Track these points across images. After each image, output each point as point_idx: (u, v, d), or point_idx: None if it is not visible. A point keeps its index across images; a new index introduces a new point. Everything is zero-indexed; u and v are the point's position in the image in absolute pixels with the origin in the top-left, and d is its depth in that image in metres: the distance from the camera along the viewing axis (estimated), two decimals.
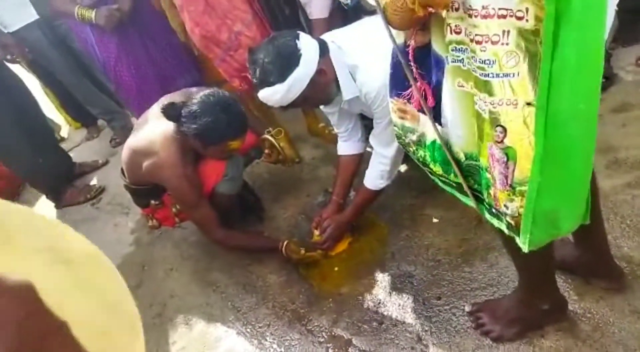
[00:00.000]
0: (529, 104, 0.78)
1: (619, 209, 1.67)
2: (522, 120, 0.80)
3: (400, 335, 1.56)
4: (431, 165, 1.11)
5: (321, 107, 1.92)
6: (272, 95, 1.54)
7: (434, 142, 1.06)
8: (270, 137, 2.07)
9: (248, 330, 1.78)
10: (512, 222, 0.93)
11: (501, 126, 0.84)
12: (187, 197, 1.86)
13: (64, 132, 4.21)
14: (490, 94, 0.83)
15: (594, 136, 0.84)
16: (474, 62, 0.82)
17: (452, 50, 0.87)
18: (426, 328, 1.55)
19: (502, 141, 0.86)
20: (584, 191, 0.90)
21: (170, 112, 1.76)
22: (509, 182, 0.89)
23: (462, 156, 1.00)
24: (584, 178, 0.88)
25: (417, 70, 1.00)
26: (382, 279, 1.79)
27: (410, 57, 0.99)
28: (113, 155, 3.39)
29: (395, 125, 1.19)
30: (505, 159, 0.87)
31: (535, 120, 0.78)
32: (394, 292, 1.72)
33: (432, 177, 1.18)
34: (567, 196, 0.88)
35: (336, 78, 1.62)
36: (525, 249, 0.93)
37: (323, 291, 1.84)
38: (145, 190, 1.97)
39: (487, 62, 0.80)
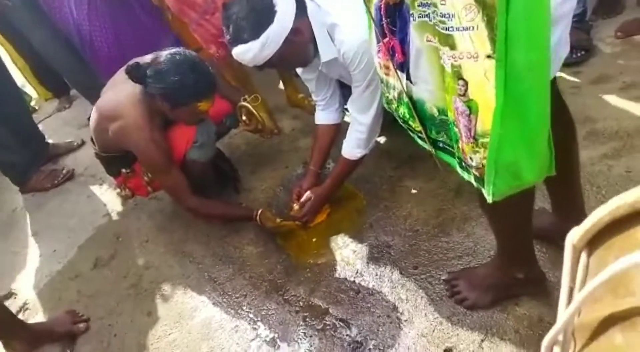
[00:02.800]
0: (488, 56, 0.78)
1: (595, 180, 1.69)
2: (483, 73, 0.81)
3: (377, 304, 1.56)
4: (410, 122, 1.10)
5: (300, 73, 1.87)
6: (246, 52, 1.48)
7: (411, 97, 1.05)
8: (247, 104, 2.01)
9: (225, 300, 1.76)
10: (477, 174, 0.96)
11: (463, 79, 0.85)
12: (155, 162, 1.81)
13: (34, 102, 4.07)
14: (452, 47, 0.83)
15: (547, 88, 0.85)
16: (436, 16, 0.83)
17: (418, 5, 0.87)
18: (402, 297, 1.55)
19: (464, 94, 0.87)
20: (543, 142, 0.91)
21: (135, 72, 1.69)
22: (472, 134, 0.90)
23: (435, 111, 1.01)
24: (541, 129, 0.90)
25: (388, 26, 0.99)
26: (360, 249, 1.78)
27: (382, 12, 0.98)
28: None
29: (381, 82, 1.18)
30: (468, 112, 0.89)
31: (496, 73, 0.79)
32: (371, 262, 1.72)
33: (412, 135, 1.16)
34: (527, 147, 0.90)
35: (314, 39, 1.57)
36: (489, 199, 0.96)
37: (300, 262, 1.83)
38: (116, 158, 1.92)
39: (447, 15, 0.80)
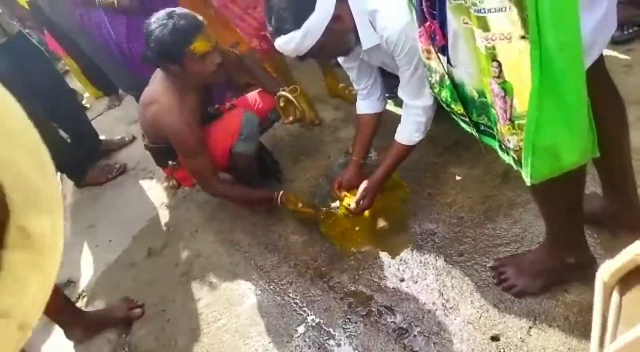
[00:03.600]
0: (522, 37, 0.78)
1: None
2: (517, 55, 0.80)
3: (422, 291, 1.56)
4: (452, 105, 1.10)
5: (341, 61, 1.88)
6: (288, 43, 1.50)
7: (453, 80, 1.04)
8: (285, 94, 2.03)
9: (271, 287, 1.81)
10: (515, 156, 0.95)
11: (497, 61, 0.85)
12: (185, 143, 1.85)
13: (85, 101, 4.27)
14: (485, 29, 0.83)
15: (582, 68, 0.83)
16: (464, 5, 0.83)
17: None
18: (447, 284, 1.55)
19: (499, 76, 0.86)
20: (581, 123, 0.89)
21: (147, 55, 1.78)
22: (509, 116, 0.90)
23: (475, 94, 1.00)
24: (579, 110, 0.87)
25: (429, 10, 0.98)
26: (404, 237, 1.78)
27: None
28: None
29: (424, 66, 1.18)
30: (503, 94, 0.88)
31: (531, 54, 0.78)
32: (415, 250, 1.71)
33: (456, 118, 1.15)
34: (565, 128, 0.88)
35: (355, 26, 1.57)
36: (528, 182, 0.95)
37: (344, 250, 1.85)
38: (163, 149, 1.98)
39: None
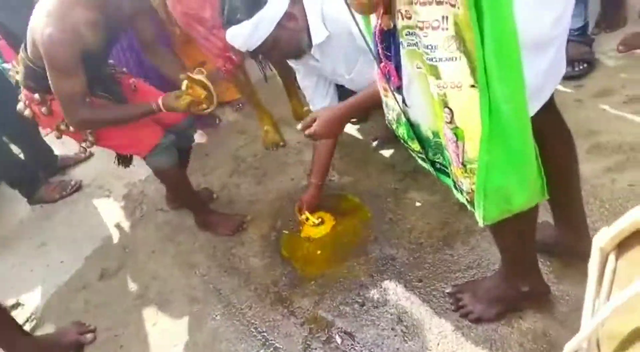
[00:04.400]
0: (472, 86, 0.80)
1: (598, 193, 1.69)
2: (467, 102, 0.83)
3: (382, 316, 1.57)
4: (409, 142, 1.12)
5: (299, 80, 1.91)
6: (238, 34, 1.50)
7: (409, 119, 1.07)
8: (190, 75, 1.80)
9: (230, 311, 1.77)
10: (468, 198, 0.98)
11: (448, 107, 0.87)
12: (57, 57, 1.59)
13: None
14: (437, 77, 0.85)
15: (526, 119, 0.87)
16: (421, 46, 0.85)
17: (406, 34, 0.89)
18: (407, 310, 1.56)
19: (451, 122, 0.89)
20: (530, 168, 0.94)
21: None
22: (461, 160, 0.93)
23: (430, 134, 1.03)
24: (527, 156, 0.92)
25: (384, 52, 1.00)
26: (365, 262, 1.79)
27: (377, 39, 1.00)
28: None
29: (382, 103, 1.20)
30: (455, 139, 0.91)
31: (480, 102, 0.80)
32: (376, 275, 1.73)
33: (413, 154, 1.18)
34: (514, 173, 0.92)
35: (307, 28, 1.58)
36: (480, 223, 0.98)
37: (306, 274, 1.84)
38: (40, 73, 1.72)
39: (430, 47, 0.82)
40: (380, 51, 1.01)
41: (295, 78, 2.66)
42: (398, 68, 1.00)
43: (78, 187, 2.86)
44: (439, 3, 0.77)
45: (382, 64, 1.02)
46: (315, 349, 1.54)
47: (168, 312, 1.87)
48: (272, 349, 1.59)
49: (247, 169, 2.55)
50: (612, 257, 0.51)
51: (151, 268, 2.11)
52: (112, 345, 1.81)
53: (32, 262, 2.38)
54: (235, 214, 2.20)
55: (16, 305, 2.16)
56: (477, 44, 0.74)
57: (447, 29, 0.78)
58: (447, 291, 1.56)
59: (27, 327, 1.98)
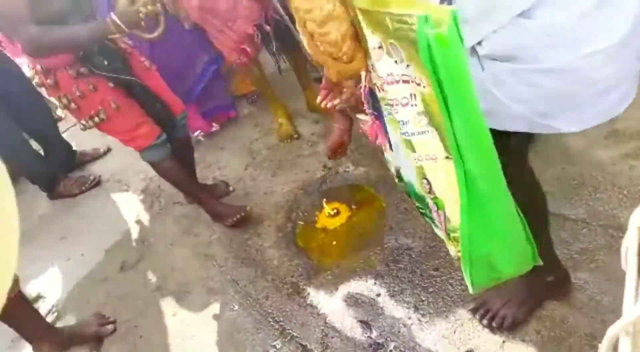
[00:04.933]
0: (447, 157, 0.79)
1: (616, 180, 1.67)
2: (444, 173, 0.82)
3: (398, 305, 1.58)
4: (411, 196, 1.12)
5: None
6: None
7: (406, 181, 1.08)
8: None
9: (247, 302, 1.80)
10: (457, 264, 0.96)
11: (426, 179, 0.87)
12: None
13: (60, 112, 4.18)
14: (412, 150, 0.85)
15: (504, 191, 0.84)
16: (397, 120, 0.85)
17: (385, 105, 0.90)
18: (423, 298, 1.56)
19: (430, 192, 0.88)
20: (515, 237, 0.92)
21: None
22: (444, 229, 0.92)
23: (423, 195, 1.00)
24: (510, 226, 0.89)
25: (370, 111, 1.03)
26: (380, 251, 1.80)
27: (364, 98, 1.00)
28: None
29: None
30: (436, 208, 0.90)
31: (456, 173, 0.78)
32: (391, 264, 1.73)
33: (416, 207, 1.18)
34: (497, 243, 0.89)
35: None
36: (470, 290, 0.97)
37: (321, 264, 1.85)
38: None
39: (402, 122, 0.83)
40: (367, 109, 1.02)
41: (308, 70, 2.69)
42: (385, 128, 1.00)
43: (97, 182, 2.91)
44: (405, 82, 0.77)
45: (372, 122, 1.05)
46: (332, 337, 1.56)
47: (187, 303, 1.90)
48: (289, 338, 1.60)
49: (262, 161, 2.56)
50: None
51: (170, 260, 2.14)
52: (132, 336, 1.85)
53: (53, 256, 2.44)
54: (237, 205, 2.20)
55: (38, 297, 2.21)
56: (446, 119, 0.73)
57: (416, 105, 0.78)
58: (470, 308, 1.48)
59: (49, 319, 2.03)
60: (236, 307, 1.79)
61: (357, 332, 1.54)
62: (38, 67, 1.75)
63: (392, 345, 1.47)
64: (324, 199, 2.10)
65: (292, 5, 0.77)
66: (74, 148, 3.15)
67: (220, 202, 2.23)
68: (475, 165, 0.77)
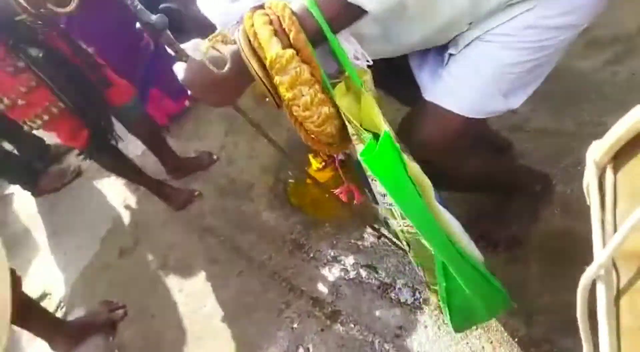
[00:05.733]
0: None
1: (601, 88, 1.66)
2: (420, 241, 0.92)
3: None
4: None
5: None
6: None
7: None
8: None
9: (251, 266, 1.80)
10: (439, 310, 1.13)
11: (406, 242, 0.98)
12: None
13: None
14: (393, 217, 0.94)
15: (463, 259, 0.93)
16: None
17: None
18: None
19: (409, 251, 1.00)
20: (486, 289, 1.00)
21: None
22: (424, 281, 1.05)
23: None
24: (479, 282, 0.98)
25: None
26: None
27: (337, 163, 1.15)
28: None
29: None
30: (416, 265, 1.04)
31: (429, 243, 0.89)
32: None
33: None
34: (472, 295, 0.98)
35: None
36: (454, 332, 1.12)
37: (318, 218, 1.84)
38: None
39: (382, 195, 0.90)
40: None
41: None
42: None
43: (78, 173, 2.83)
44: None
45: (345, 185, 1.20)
46: (341, 286, 1.57)
47: (191, 277, 1.90)
48: (299, 293, 1.62)
49: (241, 125, 2.50)
50: (609, 171, 0.47)
51: (166, 238, 2.12)
52: (144, 316, 1.85)
53: (49, 253, 2.40)
54: (185, 189, 2.24)
55: (44, 296, 2.19)
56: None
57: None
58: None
59: (58, 315, 2.02)
60: (241, 273, 1.79)
61: (364, 276, 1.56)
62: None
63: (399, 283, 1.49)
64: (310, 154, 2.06)
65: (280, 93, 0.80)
66: (47, 142, 3.05)
67: (170, 186, 2.25)
68: (434, 241, 0.88)
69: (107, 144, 1.98)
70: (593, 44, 1.83)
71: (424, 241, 0.90)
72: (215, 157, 2.38)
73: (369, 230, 1.68)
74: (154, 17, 0.79)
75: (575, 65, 1.78)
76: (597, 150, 0.46)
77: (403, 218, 0.90)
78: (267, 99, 0.88)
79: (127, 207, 2.43)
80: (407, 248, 1.06)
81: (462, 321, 1.07)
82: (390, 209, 0.91)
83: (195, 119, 2.71)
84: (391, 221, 1.00)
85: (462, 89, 0.94)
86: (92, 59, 1.88)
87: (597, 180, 0.47)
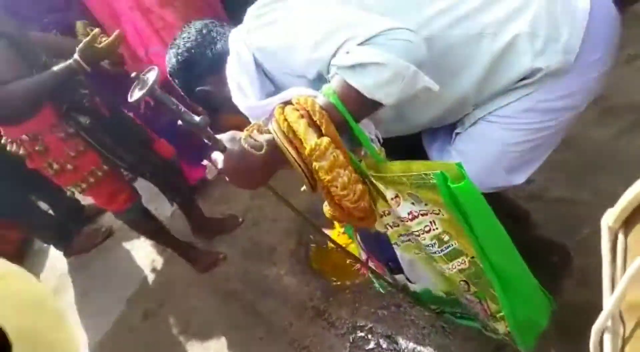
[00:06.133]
0: (472, 257, 0.91)
1: (616, 157, 1.68)
2: (474, 271, 0.93)
3: (419, 315, 1.58)
4: (427, 304, 1.25)
5: None
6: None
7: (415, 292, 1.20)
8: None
9: (273, 332, 1.81)
10: (507, 338, 1.08)
11: (464, 281, 0.98)
12: None
13: None
14: (445, 262, 0.94)
15: (519, 260, 0.95)
16: (421, 245, 0.95)
17: (399, 236, 1.01)
18: None
19: (469, 290, 0.99)
20: (537, 295, 1.03)
21: None
22: (489, 313, 1.03)
23: (442, 294, 1.13)
24: (531, 289, 1.01)
25: (363, 246, 1.19)
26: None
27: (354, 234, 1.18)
28: None
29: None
30: (478, 300, 1.02)
31: (484, 269, 0.90)
32: None
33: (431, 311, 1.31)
34: (531, 306, 1.00)
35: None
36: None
37: (339, 284, 1.86)
38: None
39: (430, 245, 0.92)
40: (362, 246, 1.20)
41: None
42: (388, 260, 1.14)
43: (109, 234, 2.94)
44: (423, 215, 0.89)
45: (364, 255, 1.21)
46: None
47: (213, 342, 1.91)
48: None
49: (265, 190, 2.58)
50: (620, 235, 0.52)
51: (190, 302, 2.16)
52: None
53: (76, 312, 2.47)
54: (211, 252, 2.32)
55: None
56: (467, 231, 0.85)
57: (437, 228, 0.89)
58: None
59: None
60: (262, 339, 1.80)
61: (383, 346, 1.55)
62: (24, 136, 1.72)
63: None
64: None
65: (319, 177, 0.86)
66: (82, 203, 3.19)
67: (196, 249, 2.33)
68: (497, 255, 0.89)
69: (142, 207, 2.09)
70: (608, 113, 1.86)
71: (479, 269, 0.92)
72: (240, 219, 2.44)
73: (388, 297, 1.69)
74: (197, 119, 0.87)
75: (591, 134, 1.81)
76: (610, 217, 0.50)
77: (451, 260, 0.93)
78: (303, 187, 0.98)
79: (154, 268, 2.50)
80: (458, 295, 1.08)
81: (531, 334, 1.06)
82: (441, 256, 0.94)
83: (222, 183, 2.80)
84: (434, 270, 1.03)
85: (467, 164, 1.00)
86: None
87: (609, 244, 0.51)
